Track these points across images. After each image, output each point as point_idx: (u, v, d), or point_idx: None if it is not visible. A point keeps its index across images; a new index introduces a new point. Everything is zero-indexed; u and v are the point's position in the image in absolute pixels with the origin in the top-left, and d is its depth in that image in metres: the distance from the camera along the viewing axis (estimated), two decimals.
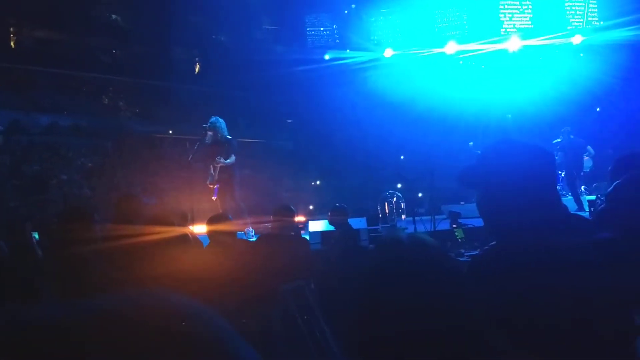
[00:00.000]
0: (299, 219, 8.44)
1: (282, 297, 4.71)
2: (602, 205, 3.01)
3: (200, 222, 6.96)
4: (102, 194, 9.78)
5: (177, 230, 4.81)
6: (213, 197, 8.01)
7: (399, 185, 10.24)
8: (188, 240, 5.03)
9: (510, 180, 1.67)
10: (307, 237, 6.81)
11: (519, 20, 10.50)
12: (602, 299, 1.46)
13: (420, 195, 10.53)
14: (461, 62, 10.91)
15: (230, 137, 7.98)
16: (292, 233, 5.67)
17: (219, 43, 10.57)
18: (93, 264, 3.71)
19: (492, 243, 1.77)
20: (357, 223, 7.22)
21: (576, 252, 1.55)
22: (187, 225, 6.40)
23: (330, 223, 6.45)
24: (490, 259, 1.73)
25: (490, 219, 1.77)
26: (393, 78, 10.65)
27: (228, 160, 7.77)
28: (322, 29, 10.76)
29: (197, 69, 10.74)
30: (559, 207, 1.75)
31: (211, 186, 7.95)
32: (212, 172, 7.86)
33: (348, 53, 10.72)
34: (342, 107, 10.63)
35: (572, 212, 1.92)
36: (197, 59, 10.85)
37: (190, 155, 7.91)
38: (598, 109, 10.32)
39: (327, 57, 10.74)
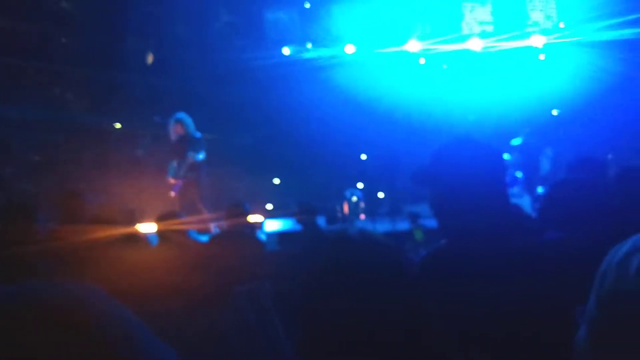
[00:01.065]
0: (256, 218, 8.25)
1: (235, 299, 4.58)
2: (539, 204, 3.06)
3: (149, 221, 6.74)
4: (49, 191, 9.37)
5: (123, 230, 4.63)
6: (172, 193, 7.83)
7: (360, 185, 10.20)
8: (134, 239, 4.82)
9: (460, 178, 1.69)
10: (264, 237, 6.65)
11: (481, 21, 10.59)
12: (547, 298, 1.48)
13: (381, 195, 10.53)
14: (423, 62, 10.90)
15: (197, 134, 7.83)
16: (247, 232, 5.53)
17: (174, 34, 10.23)
18: (33, 265, 3.56)
19: (443, 242, 1.81)
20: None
21: (523, 252, 1.57)
22: (134, 223, 6.19)
23: (297, 222, 6.31)
24: (439, 257, 1.78)
25: (441, 218, 1.79)
26: (355, 75, 10.58)
27: (200, 156, 7.63)
28: (281, 23, 10.57)
29: (150, 61, 10.36)
30: (508, 207, 1.81)
31: (172, 181, 7.74)
32: (177, 167, 7.65)
33: (309, 48, 10.57)
34: (303, 104, 10.50)
35: (521, 212, 2.10)
36: (151, 50, 10.47)
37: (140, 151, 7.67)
38: (555, 112, 10.54)
39: (286, 51, 10.56)
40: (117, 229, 4.43)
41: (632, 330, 0.65)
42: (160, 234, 4.86)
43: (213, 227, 7.54)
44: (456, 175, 1.70)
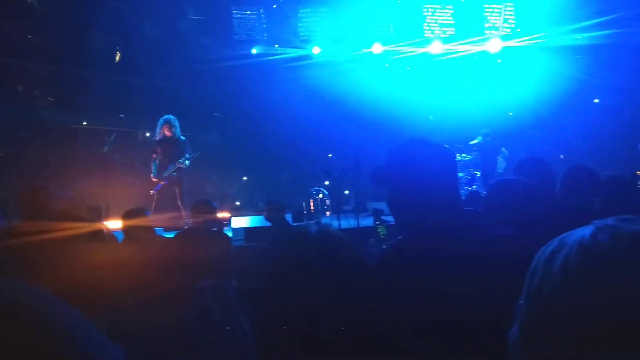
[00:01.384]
0: (223, 214, 8.33)
1: (200, 294, 4.62)
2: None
3: (116, 217, 6.75)
4: (14, 188, 9.23)
5: (88, 226, 4.62)
6: (152, 191, 8.05)
7: (327, 183, 10.32)
8: (100, 236, 4.83)
9: (414, 177, 1.76)
10: (230, 234, 6.72)
11: (442, 25, 10.80)
12: (491, 292, 1.48)
13: (347, 192, 10.64)
14: (387, 65, 11.07)
15: (183, 137, 8.09)
16: (215, 229, 5.57)
17: (142, 31, 10.18)
18: None
19: (399, 237, 1.85)
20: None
21: (470, 247, 1.62)
22: (100, 220, 6.16)
23: (266, 219, 6.38)
24: (394, 253, 1.81)
25: (397, 215, 1.86)
26: (322, 76, 10.69)
27: (188, 162, 7.92)
28: (249, 22, 10.60)
29: (117, 58, 10.30)
30: (459, 204, 1.87)
31: (155, 180, 7.98)
32: (160, 167, 7.96)
33: (276, 49, 10.64)
34: (271, 103, 10.56)
35: (468, 209, 2.05)
36: (118, 47, 10.40)
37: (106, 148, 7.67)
38: (511, 113, 10.82)
39: (254, 51, 10.62)
40: (82, 226, 4.43)
41: (557, 326, 0.66)
42: (126, 230, 4.87)
43: (181, 224, 7.64)
44: (410, 174, 1.76)
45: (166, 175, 8.03)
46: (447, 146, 1.92)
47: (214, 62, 10.00)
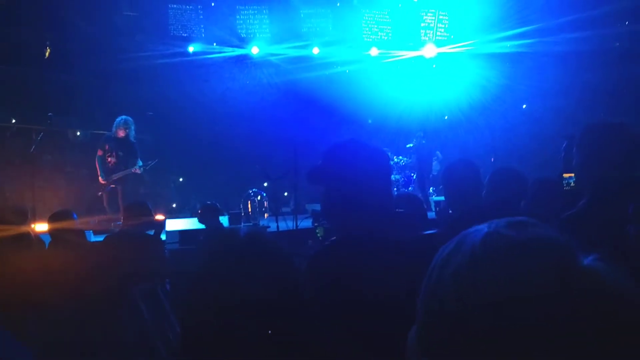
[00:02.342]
0: (158, 217, 8.15)
1: (132, 299, 4.52)
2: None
3: (42, 220, 6.50)
4: None
5: (13, 229, 4.45)
6: (100, 193, 8.13)
7: (265, 184, 10.28)
8: (26, 239, 4.65)
9: (347, 177, 1.77)
10: (164, 236, 6.59)
11: (378, 30, 10.95)
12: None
13: (285, 194, 10.63)
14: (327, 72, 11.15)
15: (135, 141, 8.14)
16: (152, 232, 5.46)
17: (73, 26, 9.80)
18: None
19: (332, 238, 1.87)
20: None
21: (403, 246, 1.64)
22: (27, 223, 5.91)
23: (200, 221, 6.29)
24: (327, 254, 1.82)
25: (329, 216, 1.89)
26: (262, 76, 10.66)
27: (142, 169, 8.04)
28: (186, 20, 10.41)
29: (47, 53, 9.88)
30: (390, 205, 1.89)
31: (103, 182, 8.00)
32: (109, 169, 7.96)
33: (214, 47, 10.50)
34: (208, 103, 10.43)
35: (399, 211, 2.08)
36: (48, 42, 9.98)
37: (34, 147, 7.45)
38: (446, 117, 11.13)
39: (191, 49, 10.44)
40: (6, 228, 4.25)
41: (448, 331, 0.65)
42: (53, 234, 4.70)
43: (112, 227, 7.43)
44: (343, 174, 1.77)
45: (116, 178, 8.03)
46: (383, 148, 1.94)
47: (149, 59, 9.76)
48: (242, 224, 8.56)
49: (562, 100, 9.67)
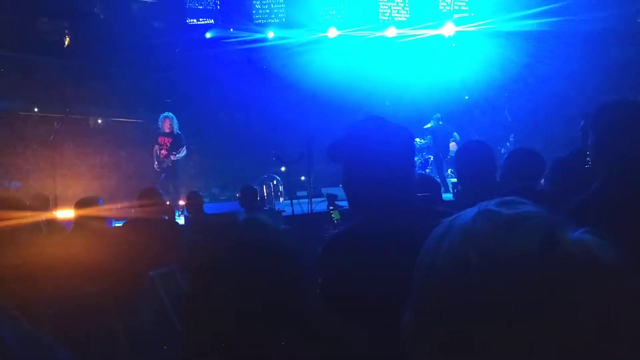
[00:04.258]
0: (180, 202, 8.29)
1: (150, 284, 4.58)
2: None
3: (64, 207, 6.63)
4: None
5: (34, 215, 4.52)
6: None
7: (283, 169, 10.30)
8: (48, 225, 4.74)
9: (369, 155, 1.69)
10: (182, 222, 6.67)
11: (395, 10, 10.80)
12: None
13: (303, 178, 10.64)
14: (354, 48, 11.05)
15: (179, 132, 8.97)
16: (166, 217, 5.51)
17: (91, 15, 9.88)
18: None
19: (348, 224, 1.78)
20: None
21: (425, 232, 1.56)
22: (49, 209, 6.04)
23: (241, 205, 6.36)
24: (341, 241, 1.73)
25: (350, 196, 1.80)
26: (277, 60, 10.62)
27: (179, 155, 8.87)
28: (202, 6, 10.40)
29: (66, 42, 9.99)
30: (412, 187, 1.80)
31: (158, 170, 8.96)
32: (160, 160, 8.90)
33: (231, 32, 10.47)
34: (225, 88, 10.45)
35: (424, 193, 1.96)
36: (66, 31, 10.08)
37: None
38: (467, 97, 10.98)
39: (208, 35, 10.43)
40: (29, 215, 4.34)
41: (444, 311, 0.66)
42: (75, 220, 4.78)
43: (131, 212, 7.53)
44: (363, 152, 1.70)
45: (164, 166, 8.89)
46: (406, 127, 1.84)
47: (167, 45, 9.81)
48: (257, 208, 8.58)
49: (585, 79, 9.47)
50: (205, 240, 1.37)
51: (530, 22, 10.00)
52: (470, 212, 0.71)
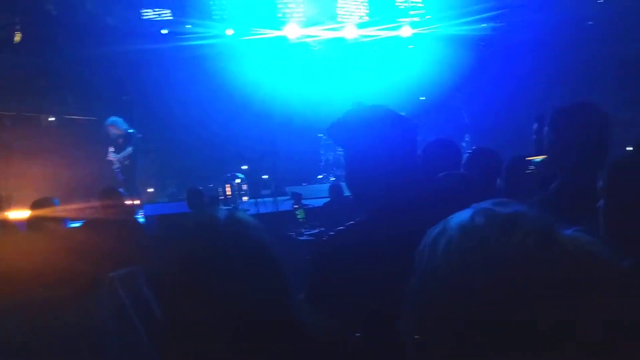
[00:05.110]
0: (135, 202, 8.12)
1: (110, 284, 4.51)
2: None
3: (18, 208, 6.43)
4: None
5: None
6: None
7: (244, 167, 10.21)
8: (1, 226, 4.61)
9: (378, 147, 1.62)
10: (142, 221, 6.56)
11: (355, 10, 10.86)
12: None
13: (265, 177, 10.57)
14: (314, 47, 11.02)
15: (131, 130, 8.85)
16: (126, 217, 5.42)
17: (43, 10, 9.56)
18: None
19: (357, 220, 1.71)
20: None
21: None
22: (1, 210, 5.87)
23: (188, 206, 6.26)
24: (339, 240, 1.67)
25: (355, 189, 1.73)
26: (237, 59, 10.52)
27: (119, 155, 8.75)
28: (157, 3, 10.16)
29: (17, 38, 9.63)
30: (419, 177, 1.73)
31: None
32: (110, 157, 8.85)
33: (188, 29, 10.28)
34: (184, 86, 10.27)
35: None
36: (17, 27, 9.72)
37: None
38: (422, 98, 11.16)
39: (164, 31, 10.22)
40: None
41: (443, 310, 0.67)
42: (31, 221, 4.67)
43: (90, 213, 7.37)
44: (370, 140, 1.63)
45: (116, 167, 8.86)
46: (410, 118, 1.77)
47: (122, 43, 9.58)
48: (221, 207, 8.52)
49: (537, 82, 9.78)
50: (178, 244, 1.27)
51: (484, 25, 10.27)
52: (466, 212, 0.73)
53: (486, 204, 0.72)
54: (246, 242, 1.23)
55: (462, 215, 0.72)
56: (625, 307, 0.63)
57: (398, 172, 1.61)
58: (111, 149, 8.76)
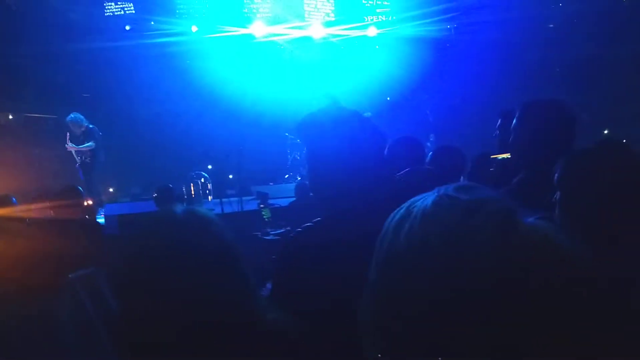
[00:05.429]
0: (96, 201, 7.97)
1: (70, 285, 4.42)
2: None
3: None
4: None
5: None
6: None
7: (210, 167, 10.11)
8: None
9: (335, 144, 1.62)
10: (102, 221, 6.44)
11: (321, 7, 10.86)
12: None
13: (230, 176, 10.50)
14: (282, 46, 10.96)
15: (92, 126, 8.71)
16: (86, 216, 5.30)
17: (3, 5, 9.28)
18: None
19: (317, 219, 1.71)
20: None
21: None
22: None
23: (157, 205, 6.15)
24: (304, 237, 1.67)
25: (316, 185, 1.73)
26: (203, 56, 10.40)
27: (80, 147, 8.61)
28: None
29: None
30: (383, 177, 1.74)
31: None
32: (75, 155, 8.70)
33: (152, 26, 10.12)
34: (148, 83, 10.11)
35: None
36: None
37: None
38: (388, 98, 11.25)
39: (127, 28, 10.03)
40: None
41: (403, 295, 0.67)
42: None
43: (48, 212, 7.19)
44: (333, 138, 1.63)
45: (79, 161, 8.69)
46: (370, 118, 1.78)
47: (85, 38, 9.36)
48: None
49: (499, 82, 9.96)
50: (137, 242, 1.27)
51: (447, 26, 10.42)
52: (429, 197, 0.72)
53: (449, 189, 0.72)
54: (204, 237, 1.21)
55: (424, 201, 0.72)
56: (581, 292, 0.64)
57: (361, 172, 1.62)
58: (69, 140, 8.63)
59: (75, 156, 8.69)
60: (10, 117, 10.52)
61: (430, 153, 3.71)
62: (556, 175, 1.67)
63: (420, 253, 0.67)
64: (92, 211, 6.08)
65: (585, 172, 1.59)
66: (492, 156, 3.99)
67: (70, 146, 8.58)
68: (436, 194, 0.72)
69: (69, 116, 8.65)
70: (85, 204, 5.17)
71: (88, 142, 8.60)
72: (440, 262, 0.65)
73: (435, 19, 10.32)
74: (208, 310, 1.14)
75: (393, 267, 0.70)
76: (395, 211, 0.76)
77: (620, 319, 1.27)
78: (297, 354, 1.28)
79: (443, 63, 10.56)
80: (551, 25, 10.59)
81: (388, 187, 1.70)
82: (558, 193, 1.66)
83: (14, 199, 4.59)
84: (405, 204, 0.75)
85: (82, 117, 8.69)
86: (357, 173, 1.61)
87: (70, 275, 4.40)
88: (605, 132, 9.76)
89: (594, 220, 1.53)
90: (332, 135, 1.64)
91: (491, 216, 0.66)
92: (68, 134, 8.67)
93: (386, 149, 3.50)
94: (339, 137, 1.63)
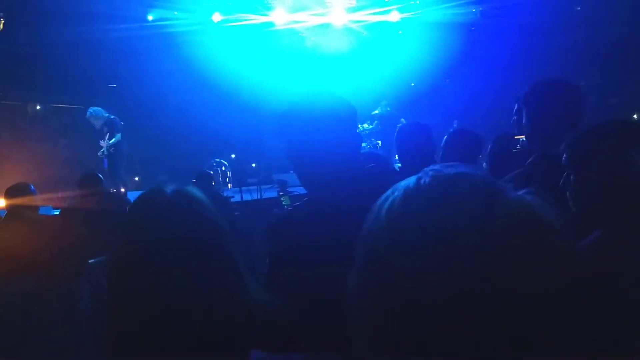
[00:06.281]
0: (120, 189, 8.10)
1: (89, 272, 4.50)
2: None
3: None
4: None
5: None
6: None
7: (233, 155, 10.19)
8: None
9: (314, 128, 1.66)
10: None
11: None
12: None
13: (253, 165, 10.57)
14: (302, 34, 10.90)
15: (113, 117, 8.77)
16: (108, 204, 5.36)
17: None
18: None
19: (296, 203, 1.78)
20: None
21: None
22: None
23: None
24: (287, 219, 1.73)
25: (299, 171, 1.75)
26: (225, 45, 10.41)
27: (109, 142, 8.68)
28: None
29: (1, 25, 9.49)
30: (360, 160, 1.79)
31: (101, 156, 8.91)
32: (102, 145, 8.78)
33: (175, 15, 10.15)
34: (172, 72, 10.18)
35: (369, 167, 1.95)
36: (1, 13, 9.57)
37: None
38: (412, 84, 11.13)
39: (150, 17, 10.07)
40: None
41: (380, 270, 0.65)
42: (8, 209, 4.60)
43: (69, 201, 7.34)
44: (309, 125, 1.67)
45: (106, 153, 8.73)
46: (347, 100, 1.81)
47: (108, 27, 9.44)
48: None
49: (525, 66, 9.76)
50: (126, 223, 1.29)
51: (473, 10, 10.21)
52: (415, 176, 0.71)
53: (434, 166, 0.70)
54: (192, 217, 1.21)
55: (410, 179, 0.70)
56: (565, 273, 0.61)
57: (338, 152, 1.66)
58: (101, 141, 8.71)
59: (103, 147, 8.82)
60: (38, 107, 10.73)
61: (445, 137, 3.67)
62: (564, 155, 1.64)
63: (402, 228, 0.64)
64: (122, 199, 6.16)
65: (591, 151, 1.56)
66: (516, 137, 3.92)
67: (103, 143, 8.71)
68: (422, 171, 0.70)
69: (88, 112, 8.75)
70: (107, 192, 5.23)
71: (114, 135, 8.67)
72: (421, 237, 0.62)
73: (460, 1, 10.10)
74: (195, 291, 1.13)
75: (373, 241, 0.68)
76: (388, 191, 0.73)
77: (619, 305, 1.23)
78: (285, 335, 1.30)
79: (468, 47, 10.37)
80: (578, 8, 10.30)
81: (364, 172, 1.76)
82: (566, 174, 1.64)
83: (32, 187, 4.66)
84: (392, 187, 0.73)
85: (100, 109, 8.77)
86: (335, 157, 1.65)
87: (90, 261, 4.49)
88: (635, 116, 9.47)
89: (602, 202, 1.52)
90: (309, 131, 1.67)
91: (473, 188, 0.65)
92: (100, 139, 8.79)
93: (395, 134, 3.52)
94: (315, 132, 1.66)
